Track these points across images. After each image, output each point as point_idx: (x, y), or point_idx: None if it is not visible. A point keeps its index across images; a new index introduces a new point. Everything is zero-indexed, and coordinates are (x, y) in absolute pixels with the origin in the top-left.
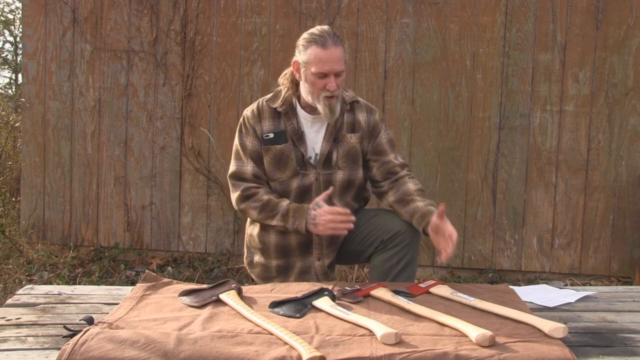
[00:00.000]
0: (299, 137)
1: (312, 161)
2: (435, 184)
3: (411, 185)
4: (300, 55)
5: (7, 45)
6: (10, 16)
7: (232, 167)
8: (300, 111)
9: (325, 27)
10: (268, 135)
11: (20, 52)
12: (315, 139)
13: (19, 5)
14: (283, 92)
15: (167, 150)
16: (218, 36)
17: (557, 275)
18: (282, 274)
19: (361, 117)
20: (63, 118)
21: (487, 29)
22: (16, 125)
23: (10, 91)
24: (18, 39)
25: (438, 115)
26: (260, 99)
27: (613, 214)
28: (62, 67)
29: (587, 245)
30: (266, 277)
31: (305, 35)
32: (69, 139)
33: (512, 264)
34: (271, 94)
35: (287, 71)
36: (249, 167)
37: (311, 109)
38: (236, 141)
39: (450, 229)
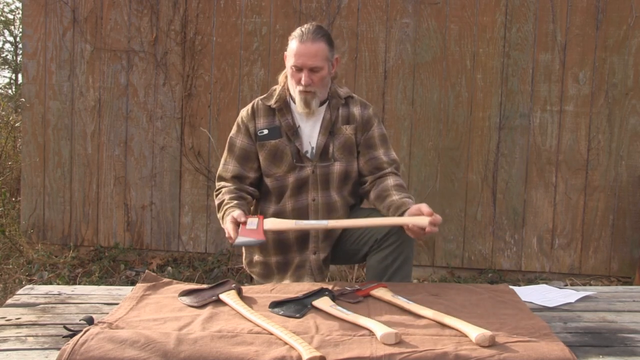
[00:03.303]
0: (294, 132)
1: (308, 155)
2: (435, 184)
3: (390, 181)
4: (287, 48)
5: (7, 45)
6: (10, 16)
7: (219, 168)
8: (295, 107)
9: (315, 24)
10: (262, 132)
11: (20, 52)
12: (311, 132)
13: (19, 5)
14: (277, 90)
15: (167, 150)
16: (218, 36)
17: (557, 275)
18: (282, 271)
19: (356, 110)
20: (63, 118)
21: (487, 29)
22: (16, 125)
23: (10, 91)
24: (18, 39)
25: (438, 115)
26: (256, 99)
27: (613, 214)
28: (62, 67)
29: (587, 245)
30: (266, 274)
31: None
32: (69, 139)
33: (512, 264)
34: (266, 94)
35: (284, 72)
36: (231, 167)
37: None
38: (228, 140)
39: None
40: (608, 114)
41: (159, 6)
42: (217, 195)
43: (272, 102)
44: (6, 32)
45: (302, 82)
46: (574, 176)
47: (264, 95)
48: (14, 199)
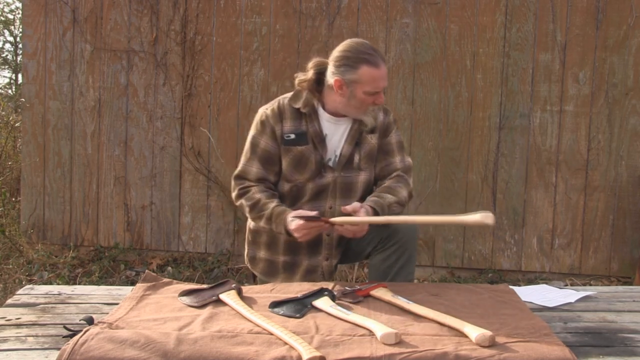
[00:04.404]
0: (321, 139)
1: (330, 163)
2: (435, 184)
3: (385, 182)
4: (347, 74)
5: (7, 45)
6: (10, 16)
7: (238, 167)
8: (323, 113)
9: (365, 41)
10: (289, 136)
11: (20, 52)
12: (337, 141)
13: (19, 5)
14: (304, 93)
15: (167, 150)
16: (218, 36)
17: (557, 275)
18: (288, 271)
19: (379, 117)
20: (63, 118)
21: (487, 29)
22: (16, 125)
23: (10, 91)
24: (18, 39)
25: (438, 115)
26: (280, 98)
27: (613, 214)
28: (62, 67)
29: (587, 245)
30: (271, 273)
31: (345, 52)
32: (69, 139)
33: (512, 264)
34: (291, 94)
35: (304, 79)
36: (254, 169)
37: (336, 112)
38: (249, 138)
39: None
40: (608, 114)
41: (159, 6)
42: (244, 195)
43: (300, 105)
44: (6, 32)
45: (380, 102)
46: (574, 176)
47: (289, 96)
48: (14, 199)
